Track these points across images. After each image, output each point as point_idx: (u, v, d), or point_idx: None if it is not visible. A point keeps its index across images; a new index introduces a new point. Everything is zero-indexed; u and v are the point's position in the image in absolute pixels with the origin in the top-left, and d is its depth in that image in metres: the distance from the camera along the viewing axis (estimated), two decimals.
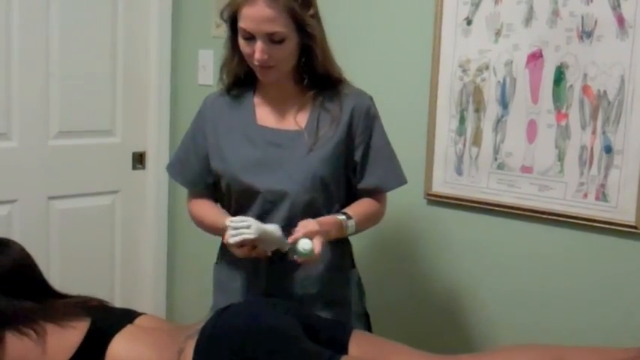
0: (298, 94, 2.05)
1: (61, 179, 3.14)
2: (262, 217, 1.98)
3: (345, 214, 2.01)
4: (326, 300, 2.06)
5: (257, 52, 1.89)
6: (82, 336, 1.87)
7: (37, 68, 2.99)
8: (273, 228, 1.89)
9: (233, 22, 1.94)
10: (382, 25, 2.67)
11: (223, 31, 2.56)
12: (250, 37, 1.89)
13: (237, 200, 2.05)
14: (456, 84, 2.49)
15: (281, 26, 1.87)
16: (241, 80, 2.08)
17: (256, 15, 1.85)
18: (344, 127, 2.03)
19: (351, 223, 2.00)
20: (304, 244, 1.82)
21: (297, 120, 2.03)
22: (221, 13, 1.97)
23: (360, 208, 2.07)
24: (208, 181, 2.13)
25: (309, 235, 1.84)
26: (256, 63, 1.92)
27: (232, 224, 1.85)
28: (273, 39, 1.88)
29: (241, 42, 1.93)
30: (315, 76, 2.02)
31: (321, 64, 1.99)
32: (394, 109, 2.40)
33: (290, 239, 1.85)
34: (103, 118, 3.24)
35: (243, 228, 1.83)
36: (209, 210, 2.13)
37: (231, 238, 1.84)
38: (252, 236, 1.83)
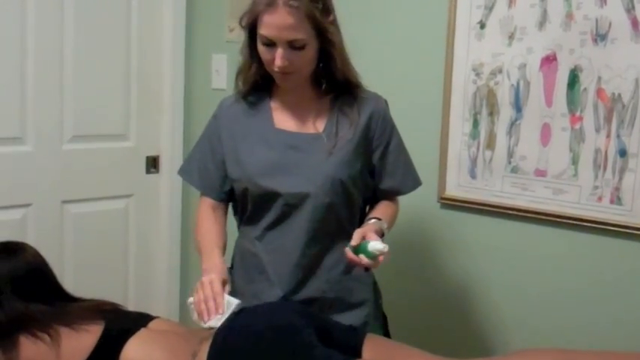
0: (315, 97, 2.05)
1: (75, 183, 3.15)
2: (281, 221, 2.00)
3: (376, 218, 2.01)
4: (344, 304, 2.06)
5: (277, 58, 1.88)
6: (96, 340, 1.87)
7: (51, 73, 3.00)
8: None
9: (252, 28, 1.93)
10: (396, 28, 2.67)
11: (237, 35, 2.56)
12: (270, 44, 1.88)
13: (255, 204, 2.05)
14: (470, 87, 2.49)
15: (302, 33, 1.87)
16: (258, 85, 2.07)
17: (277, 22, 1.84)
18: (362, 130, 2.03)
19: (385, 225, 2.01)
20: (375, 245, 1.80)
21: (315, 123, 2.03)
22: (240, 20, 1.96)
23: (384, 210, 2.09)
24: (225, 187, 2.13)
25: (367, 237, 1.84)
26: (276, 69, 1.91)
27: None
28: (294, 45, 1.87)
29: (261, 48, 1.92)
30: (333, 80, 2.02)
31: (340, 70, 1.99)
32: (408, 113, 2.40)
33: (349, 256, 1.84)
34: (116, 122, 3.25)
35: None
36: (209, 233, 2.11)
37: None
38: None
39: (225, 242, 2.11)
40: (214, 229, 2.11)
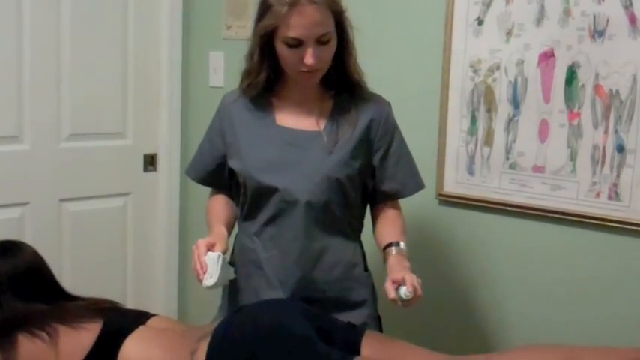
0: (319, 95, 2.05)
1: (73, 182, 3.15)
2: (277, 217, 2.01)
3: (393, 244, 2.01)
4: (344, 304, 2.06)
5: (309, 57, 1.86)
6: (95, 337, 1.87)
7: (48, 71, 3.00)
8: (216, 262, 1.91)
9: (268, 34, 1.91)
10: (393, 25, 2.67)
11: (234, 33, 2.56)
12: (296, 45, 1.87)
13: (253, 199, 2.05)
14: (467, 84, 2.49)
15: (329, 26, 1.88)
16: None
17: (306, 21, 1.83)
18: (362, 130, 2.03)
19: (404, 249, 2.01)
20: (405, 292, 1.82)
21: (317, 121, 2.03)
22: (257, 28, 1.93)
23: (396, 227, 2.09)
24: (223, 179, 2.14)
25: (401, 283, 1.83)
26: (306, 69, 1.90)
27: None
28: (321, 41, 1.87)
29: (284, 51, 1.89)
30: (340, 77, 2.02)
31: (352, 64, 2.00)
32: (405, 110, 2.39)
33: (390, 293, 1.83)
34: (114, 120, 3.25)
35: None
36: (212, 212, 2.17)
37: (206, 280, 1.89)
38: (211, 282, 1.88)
39: (230, 216, 2.15)
40: (217, 207, 2.16)
